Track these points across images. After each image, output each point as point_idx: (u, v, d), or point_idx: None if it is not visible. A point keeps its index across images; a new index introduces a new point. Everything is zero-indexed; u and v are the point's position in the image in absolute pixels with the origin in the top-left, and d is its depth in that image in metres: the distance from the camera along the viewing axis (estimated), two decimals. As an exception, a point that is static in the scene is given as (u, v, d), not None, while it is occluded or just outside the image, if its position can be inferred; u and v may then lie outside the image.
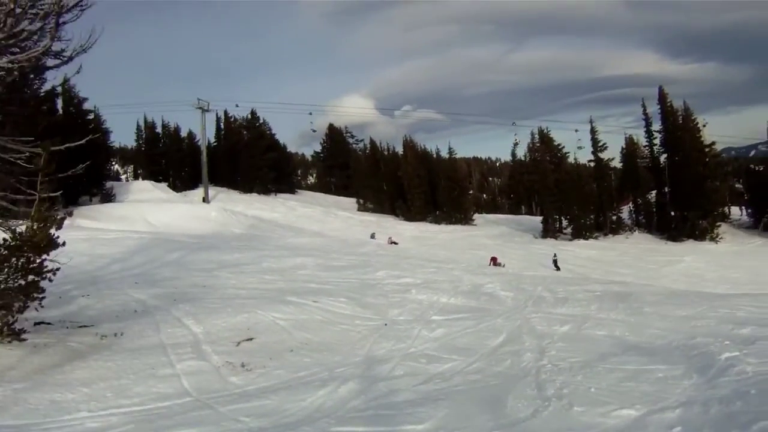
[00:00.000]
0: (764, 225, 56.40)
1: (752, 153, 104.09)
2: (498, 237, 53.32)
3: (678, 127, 56.58)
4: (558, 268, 35.02)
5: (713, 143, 58.38)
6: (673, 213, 55.03)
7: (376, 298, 15.36)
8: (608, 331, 11.48)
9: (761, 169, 64.10)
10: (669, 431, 6.25)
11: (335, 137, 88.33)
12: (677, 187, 54.74)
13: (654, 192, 59.09)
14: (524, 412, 6.99)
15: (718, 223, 54.40)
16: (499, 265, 34.08)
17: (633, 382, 8.00)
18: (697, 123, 57.71)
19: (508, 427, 6.58)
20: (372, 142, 78.72)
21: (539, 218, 59.49)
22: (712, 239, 52.19)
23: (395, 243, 43.14)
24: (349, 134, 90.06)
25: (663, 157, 58.12)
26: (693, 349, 9.59)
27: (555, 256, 36.83)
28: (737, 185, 72.82)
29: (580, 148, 60.00)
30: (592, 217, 56.16)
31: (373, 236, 45.68)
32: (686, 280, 33.89)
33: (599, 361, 9.05)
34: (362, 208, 67.87)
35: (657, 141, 58.62)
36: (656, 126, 58.60)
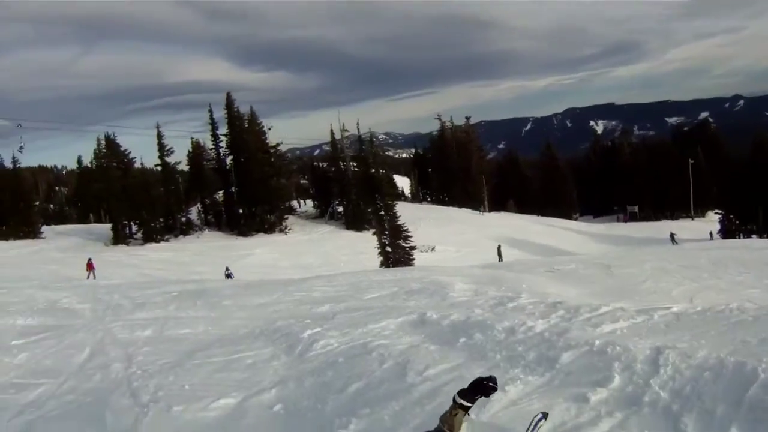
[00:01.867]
0: (329, 215, 65.06)
1: (317, 152, 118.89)
2: (68, 249, 49.72)
3: (244, 131, 61.15)
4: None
5: (278, 144, 65.11)
6: (241, 210, 58.98)
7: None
8: (191, 328, 11.63)
9: (324, 165, 73.75)
10: (270, 410, 6.66)
11: None
12: (244, 186, 59.19)
13: (222, 192, 62.61)
14: (125, 423, 6.71)
15: (286, 216, 60.72)
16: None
17: (225, 372, 8.28)
18: (263, 126, 63.55)
19: None
20: None
21: (109, 225, 57.24)
22: (282, 231, 57.99)
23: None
24: None
25: (229, 159, 61.90)
26: (276, 332, 10.35)
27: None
28: (303, 181, 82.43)
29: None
30: (161, 220, 56.51)
31: None
32: (261, 270, 36.67)
33: (188, 359, 9.11)
34: None
35: (223, 144, 62.19)
36: (223, 130, 62.32)
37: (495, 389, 4.28)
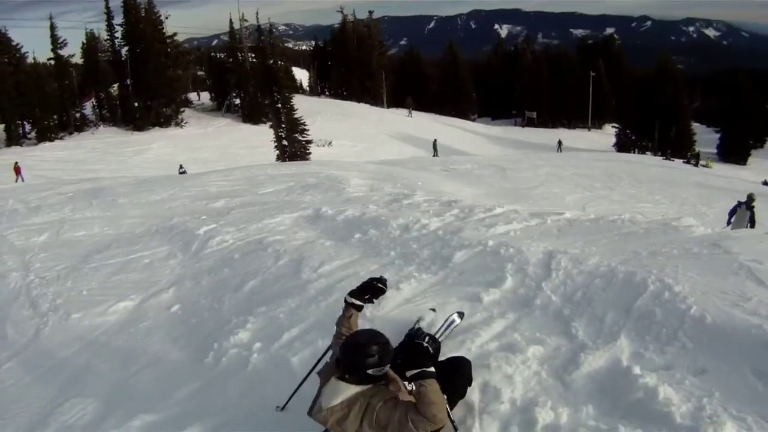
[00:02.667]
0: (226, 107, 62.83)
1: (214, 42, 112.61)
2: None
3: (140, 20, 56.84)
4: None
5: (175, 34, 61.06)
6: (137, 104, 56.01)
7: None
8: (87, 230, 11.19)
9: (222, 56, 70.10)
10: (168, 311, 6.67)
11: None
12: (140, 78, 55.80)
13: (117, 85, 58.98)
14: (26, 335, 6.54)
15: (183, 109, 58.11)
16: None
17: (122, 274, 8.13)
18: (160, 15, 59.06)
19: (16, 355, 6.09)
20: None
21: (1, 126, 52.97)
22: (178, 125, 55.74)
23: None
24: None
25: (125, 50, 57.90)
26: (173, 229, 10.15)
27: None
28: (200, 72, 78.47)
29: None
30: (55, 117, 52.90)
31: None
32: (157, 166, 35.48)
33: (84, 263, 8.83)
34: None
35: (119, 35, 57.94)
36: (119, 20, 57.68)
37: (383, 291, 4.10)
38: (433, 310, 5.12)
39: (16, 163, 35.07)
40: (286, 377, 4.33)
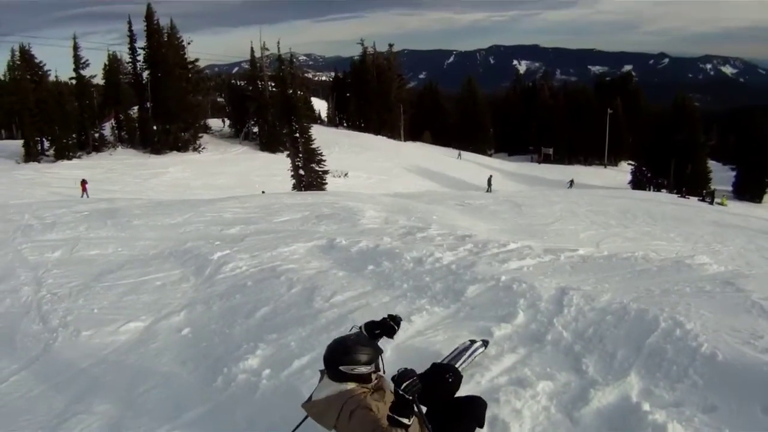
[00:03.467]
0: (244, 135, 63.52)
1: (235, 70, 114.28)
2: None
3: (162, 44, 57.83)
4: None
5: (197, 60, 62.23)
6: (156, 127, 56.71)
7: None
8: (101, 249, 11.30)
9: (242, 84, 71.07)
10: (179, 334, 6.68)
11: None
12: (160, 102, 56.60)
13: (137, 107, 59.79)
14: (35, 349, 6.55)
15: (201, 135, 58.80)
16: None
17: (134, 295, 8.17)
18: (182, 41, 60.06)
19: (25, 368, 6.09)
20: None
21: (20, 142, 53.78)
22: (195, 150, 56.34)
23: None
24: None
25: (146, 73, 58.77)
26: (186, 253, 10.25)
27: None
28: (220, 99, 79.59)
29: None
30: (74, 136, 53.59)
31: None
32: (173, 190, 35.80)
33: (97, 282, 8.90)
34: None
35: (141, 58, 58.90)
36: (141, 43, 58.67)
37: (396, 330, 4.09)
38: (485, 343, 5.15)
39: (84, 180, 35.77)
40: (294, 405, 4.26)
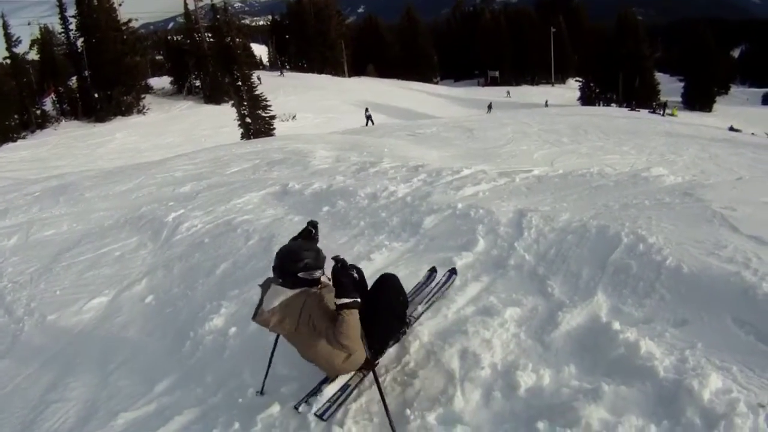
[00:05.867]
0: (187, 90, 61.48)
1: (171, 25, 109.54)
2: None
3: (93, 9, 54.99)
4: None
5: (130, 20, 59.24)
6: (96, 95, 54.56)
7: None
8: (56, 228, 10.86)
9: (179, 39, 68.63)
10: (142, 303, 6.48)
11: None
12: (98, 68, 54.33)
13: (75, 78, 57.29)
14: (3, 343, 6.32)
15: (143, 96, 56.72)
16: None
17: (94, 270, 7.90)
18: (113, 3, 57.11)
19: None
20: None
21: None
22: (140, 112, 54.49)
23: None
24: None
25: (80, 42, 56.10)
26: (141, 219, 9.90)
27: None
28: (158, 57, 76.51)
29: None
30: (16, 117, 51.34)
31: None
32: (123, 156, 34.70)
33: (56, 262, 8.56)
34: None
35: (73, 26, 56.05)
36: (72, 12, 55.70)
37: (314, 233, 4.30)
38: (453, 271, 5.01)
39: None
40: (262, 359, 4.19)
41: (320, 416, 3.54)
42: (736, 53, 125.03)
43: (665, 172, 7.97)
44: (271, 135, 38.39)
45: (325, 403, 3.58)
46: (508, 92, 57.37)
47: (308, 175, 11.77)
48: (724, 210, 5.33)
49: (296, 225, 7.49)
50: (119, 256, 8.27)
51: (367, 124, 40.89)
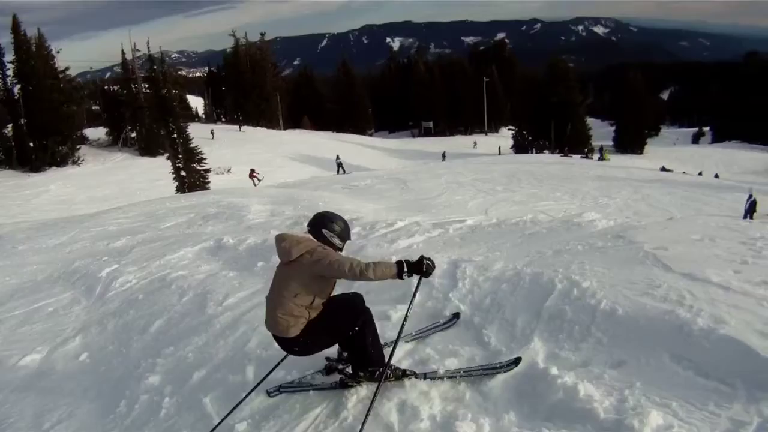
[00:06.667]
0: (122, 141, 60.06)
1: (108, 75, 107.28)
2: None
3: (31, 56, 53.34)
4: None
5: (67, 68, 57.77)
6: (32, 144, 52.64)
7: None
8: (-19, 282, 10.55)
9: (116, 89, 67.07)
10: (77, 360, 6.36)
11: None
12: (34, 116, 52.41)
13: (10, 126, 55.06)
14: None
15: (79, 146, 55.10)
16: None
17: (27, 326, 7.72)
18: (52, 50, 55.53)
19: None
20: None
21: None
22: (75, 163, 52.84)
23: None
24: None
25: (17, 89, 54.15)
26: (75, 273, 9.73)
27: None
28: (95, 107, 74.54)
29: None
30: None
31: None
32: (57, 207, 33.45)
33: (-14, 316, 8.32)
34: None
35: (10, 72, 54.02)
36: (10, 57, 53.64)
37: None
38: (456, 316, 5.09)
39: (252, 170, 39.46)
40: (199, 420, 4.23)
41: (268, 393, 4.04)
42: (665, 95, 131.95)
43: (597, 216, 8.21)
44: (206, 188, 37.84)
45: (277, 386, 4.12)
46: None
47: (243, 229, 11.79)
48: (656, 250, 5.44)
49: (231, 281, 7.56)
50: (52, 312, 8.11)
51: (338, 172, 40.61)
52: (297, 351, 4.18)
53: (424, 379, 4.21)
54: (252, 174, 39.04)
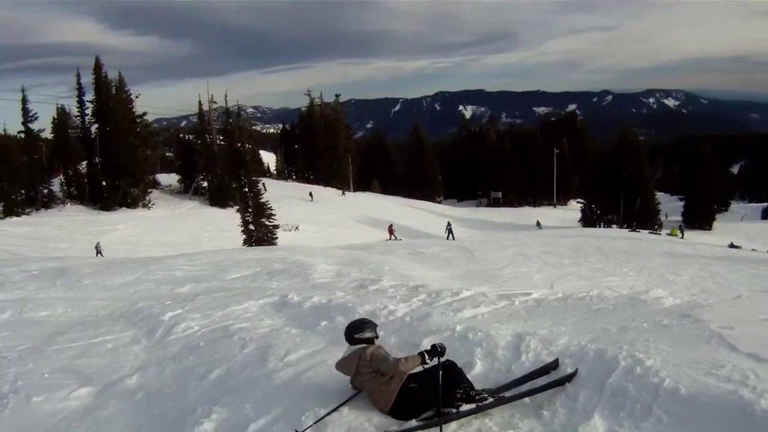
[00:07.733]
0: (193, 190, 62.62)
1: (183, 123, 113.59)
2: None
3: (111, 98, 56.91)
4: None
5: (145, 114, 61.34)
6: (105, 183, 55.49)
7: None
8: (50, 310, 10.99)
9: (190, 138, 70.66)
10: (131, 399, 6.45)
11: None
12: (109, 157, 55.49)
13: (85, 163, 58.41)
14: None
15: (150, 190, 57.73)
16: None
17: (85, 358, 7.90)
18: (131, 94, 59.28)
19: None
20: None
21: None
22: (145, 206, 55.24)
23: None
24: None
25: (95, 128, 57.64)
26: (137, 314, 10.01)
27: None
28: (168, 153, 78.42)
29: None
30: (23, 192, 51.88)
31: None
32: (123, 247, 34.98)
33: (47, 344, 8.60)
34: None
35: (89, 111, 57.80)
36: (90, 96, 57.66)
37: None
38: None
39: (391, 225, 43.92)
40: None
41: None
42: (735, 169, 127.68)
43: (664, 293, 8.13)
44: (274, 244, 38.67)
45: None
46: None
47: (308, 287, 11.95)
48: (722, 329, 5.44)
49: (293, 337, 7.62)
50: (112, 348, 8.31)
51: (448, 238, 40.73)
52: None
53: None
54: (390, 230, 43.50)
